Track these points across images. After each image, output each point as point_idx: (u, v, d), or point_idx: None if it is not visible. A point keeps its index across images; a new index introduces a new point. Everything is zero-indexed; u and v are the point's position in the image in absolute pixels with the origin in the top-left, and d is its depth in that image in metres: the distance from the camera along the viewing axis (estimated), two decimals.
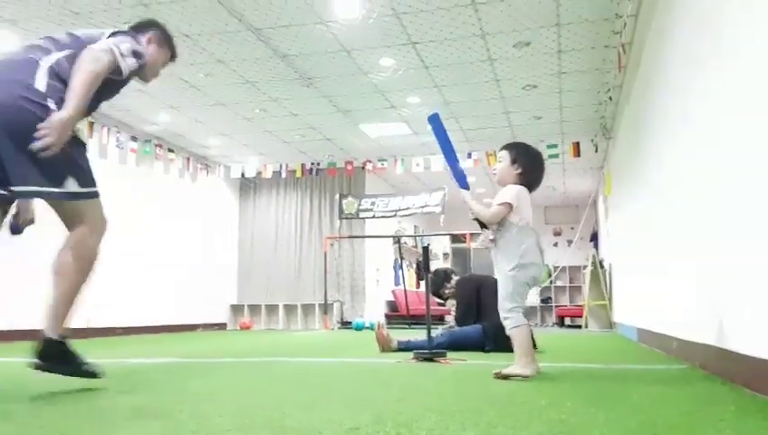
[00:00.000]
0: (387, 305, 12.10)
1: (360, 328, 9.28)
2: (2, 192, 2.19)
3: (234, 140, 9.13)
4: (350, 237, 10.59)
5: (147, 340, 6.73)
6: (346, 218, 10.31)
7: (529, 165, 2.70)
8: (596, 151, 8.65)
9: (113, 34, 2.38)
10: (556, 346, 4.88)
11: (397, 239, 10.42)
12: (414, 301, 10.88)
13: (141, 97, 7.23)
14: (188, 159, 9.57)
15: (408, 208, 10.10)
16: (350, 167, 10.00)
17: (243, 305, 10.87)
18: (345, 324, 10.21)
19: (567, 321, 12.16)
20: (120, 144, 8.07)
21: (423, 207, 9.94)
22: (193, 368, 3.14)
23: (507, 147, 2.78)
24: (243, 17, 5.28)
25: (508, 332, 2.56)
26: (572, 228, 13.74)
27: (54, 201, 2.23)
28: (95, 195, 2.30)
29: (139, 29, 2.64)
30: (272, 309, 10.85)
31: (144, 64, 2.45)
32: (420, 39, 5.73)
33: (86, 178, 2.27)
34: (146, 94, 7.13)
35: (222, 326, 10.65)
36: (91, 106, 2.30)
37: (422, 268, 3.51)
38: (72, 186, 2.20)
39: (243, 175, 10.26)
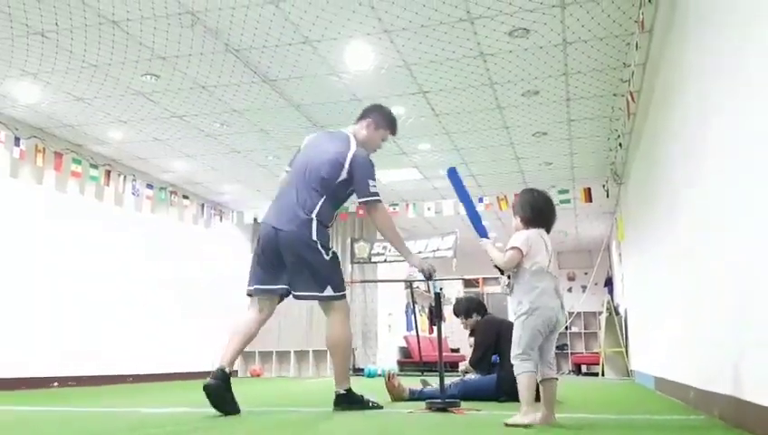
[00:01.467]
0: (399, 352, 11.95)
1: (372, 375, 9.16)
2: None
3: (247, 186, 9.26)
4: (362, 282, 10.57)
5: (157, 388, 6.69)
6: (358, 263, 10.30)
7: (524, 209, 2.74)
8: (607, 197, 8.65)
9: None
10: (573, 396, 4.78)
11: (409, 284, 10.38)
12: (427, 347, 10.75)
13: (158, 146, 7.39)
14: (203, 205, 9.70)
15: (419, 253, 10.05)
16: (361, 211, 10.04)
17: (254, 352, 10.79)
18: (357, 371, 10.08)
19: (583, 368, 11.93)
20: (136, 191, 8.21)
21: (435, 251, 9.91)
22: (194, 419, 3.11)
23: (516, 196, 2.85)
24: (258, 70, 5.43)
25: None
26: (586, 273, 13.62)
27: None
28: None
29: (364, 115, 3.50)
30: (283, 356, 10.76)
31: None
32: (430, 88, 5.85)
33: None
34: (163, 143, 7.29)
35: (233, 374, 10.54)
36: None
37: (435, 314, 3.51)
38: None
39: (255, 220, 10.34)
